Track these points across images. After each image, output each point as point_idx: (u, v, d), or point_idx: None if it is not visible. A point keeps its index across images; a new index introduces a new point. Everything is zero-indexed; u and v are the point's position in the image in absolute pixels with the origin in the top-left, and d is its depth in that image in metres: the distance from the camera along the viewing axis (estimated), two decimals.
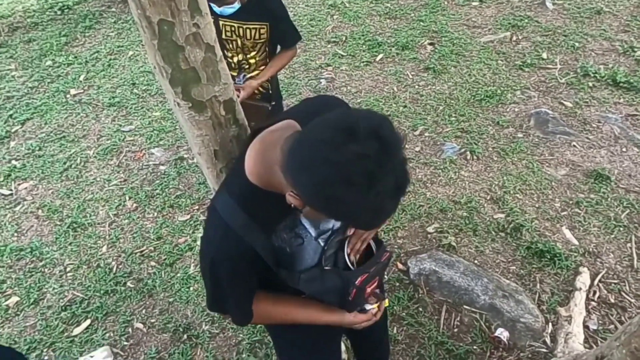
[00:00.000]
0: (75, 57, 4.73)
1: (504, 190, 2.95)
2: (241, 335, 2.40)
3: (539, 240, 2.62)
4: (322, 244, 1.16)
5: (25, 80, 4.49)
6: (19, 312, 2.64)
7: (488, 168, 3.12)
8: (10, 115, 4.07)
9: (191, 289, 2.64)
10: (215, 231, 1.04)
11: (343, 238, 1.20)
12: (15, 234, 3.07)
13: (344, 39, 4.52)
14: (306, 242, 1.14)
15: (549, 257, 2.54)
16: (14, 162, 3.62)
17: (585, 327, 2.24)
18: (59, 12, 5.38)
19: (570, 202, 2.83)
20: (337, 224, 1.19)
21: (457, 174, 3.11)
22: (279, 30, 2.38)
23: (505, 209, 2.83)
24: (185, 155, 3.51)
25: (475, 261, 2.58)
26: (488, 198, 2.93)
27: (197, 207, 3.12)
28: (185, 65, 1.03)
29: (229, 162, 1.22)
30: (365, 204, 0.79)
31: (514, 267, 2.55)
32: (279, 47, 2.51)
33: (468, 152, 3.23)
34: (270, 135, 1.02)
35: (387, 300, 1.36)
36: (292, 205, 0.92)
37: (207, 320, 2.48)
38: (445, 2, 4.89)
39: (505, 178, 3.02)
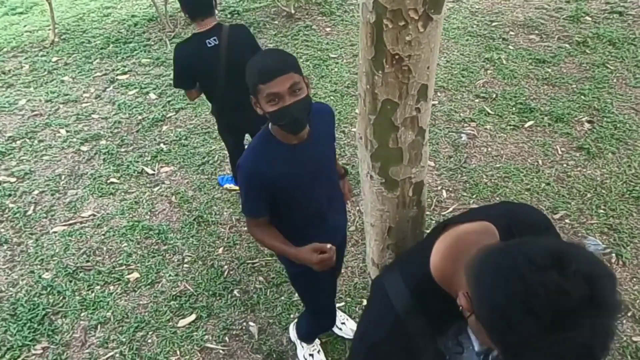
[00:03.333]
0: None
1: None
2: None
3: None
4: None
5: None
6: (136, 289, 2.84)
7: (635, 279, 2.76)
8: (169, 102, 4.48)
9: (292, 316, 2.65)
10: (383, 316, 0.99)
11: None
12: (149, 214, 3.34)
13: (494, 96, 4.33)
14: (466, 354, 1.05)
15: None
16: (162, 145, 3.96)
17: None
18: (229, 16, 5.85)
19: None
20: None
21: None
22: None
23: None
24: None
25: None
26: (629, 315, 2.58)
27: None
28: (393, 144, 1.01)
29: (398, 240, 1.17)
30: (538, 343, 0.67)
31: None
32: None
33: (614, 255, 2.88)
34: (467, 236, 0.95)
35: None
36: (460, 307, 0.85)
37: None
38: (614, 79, 4.48)
39: None
